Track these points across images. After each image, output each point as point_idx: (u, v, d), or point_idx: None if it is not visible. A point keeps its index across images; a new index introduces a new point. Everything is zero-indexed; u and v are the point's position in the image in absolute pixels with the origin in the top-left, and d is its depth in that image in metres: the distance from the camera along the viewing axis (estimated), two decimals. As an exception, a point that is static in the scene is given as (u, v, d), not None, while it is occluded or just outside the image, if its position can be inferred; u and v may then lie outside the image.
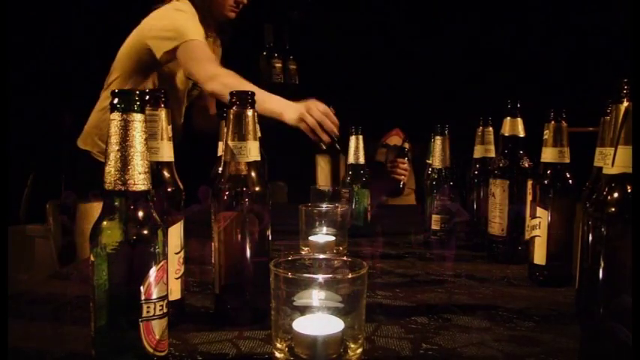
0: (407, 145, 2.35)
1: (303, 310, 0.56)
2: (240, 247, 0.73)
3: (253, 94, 0.74)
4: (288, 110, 1.54)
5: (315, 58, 2.95)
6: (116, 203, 0.53)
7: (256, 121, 0.74)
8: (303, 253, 1.05)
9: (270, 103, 1.55)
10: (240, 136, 0.73)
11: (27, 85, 2.90)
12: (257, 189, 0.74)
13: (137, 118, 0.53)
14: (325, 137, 1.49)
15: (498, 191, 1.13)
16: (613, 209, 0.51)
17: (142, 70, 1.73)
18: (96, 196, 1.52)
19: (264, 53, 1.81)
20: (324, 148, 1.50)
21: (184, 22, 1.66)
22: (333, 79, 3.01)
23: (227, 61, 1.79)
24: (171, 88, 1.76)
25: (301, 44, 2.66)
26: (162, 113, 0.71)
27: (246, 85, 1.57)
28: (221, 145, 1.20)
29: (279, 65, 1.82)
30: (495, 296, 0.89)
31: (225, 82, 1.56)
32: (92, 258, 0.52)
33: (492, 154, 1.28)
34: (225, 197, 0.73)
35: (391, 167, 2.31)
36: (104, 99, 1.79)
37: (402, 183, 2.31)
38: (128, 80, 1.73)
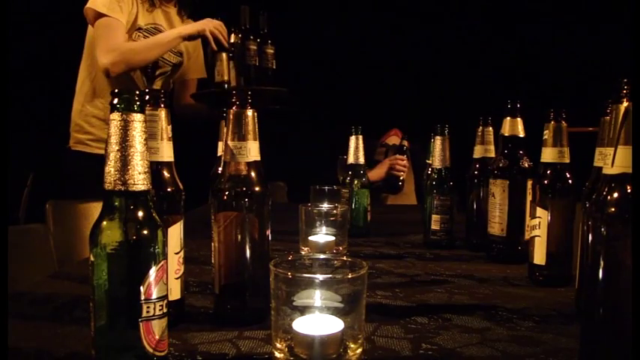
0: (406, 143, 2.36)
1: (303, 310, 0.56)
2: (240, 247, 0.73)
3: (253, 94, 0.74)
4: (191, 27, 1.82)
5: (317, 62, 2.96)
6: (116, 203, 0.53)
7: (256, 121, 0.74)
8: (303, 253, 1.05)
9: (176, 31, 1.81)
10: (240, 136, 0.73)
11: (27, 85, 2.90)
12: (257, 189, 0.74)
13: (137, 118, 0.53)
14: (223, 39, 1.82)
15: (498, 191, 1.13)
16: (613, 209, 0.51)
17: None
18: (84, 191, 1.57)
19: (240, 35, 1.83)
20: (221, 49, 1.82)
21: None
22: (333, 82, 3.02)
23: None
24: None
25: (304, 48, 2.66)
26: (163, 113, 0.71)
27: (151, 39, 1.77)
28: (221, 145, 1.20)
29: (253, 47, 1.84)
30: (495, 296, 0.89)
31: (124, 49, 1.72)
32: (92, 258, 0.52)
33: (492, 154, 1.28)
34: (225, 197, 0.73)
35: (390, 164, 2.32)
36: (81, 89, 1.88)
37: (400, 179, 2.32)
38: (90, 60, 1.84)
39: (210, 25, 1.80)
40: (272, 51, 1.91)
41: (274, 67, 1.92)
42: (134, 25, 1.81)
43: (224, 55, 1.85)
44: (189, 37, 1.81)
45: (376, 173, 2.29)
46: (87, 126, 1.86)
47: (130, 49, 1.73)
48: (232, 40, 1.87)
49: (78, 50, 1.86)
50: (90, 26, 1.81)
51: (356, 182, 1.47)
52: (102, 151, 1.80)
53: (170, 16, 1.94)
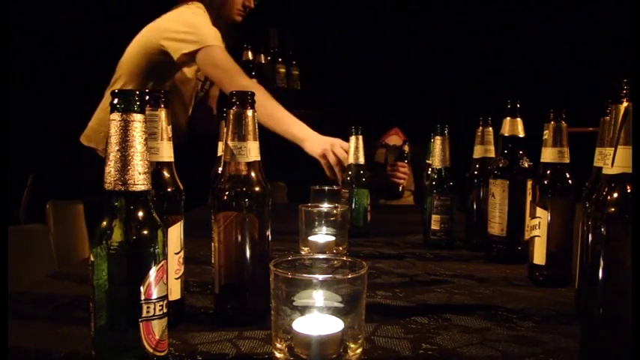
0: (406, 148, 2.34)
1: (303, 310, 0.56)
2: (240, 247, 0.73)
3: (253, 94, 0.74)
4: (311, 140, 1.56)
5: (316, 62, 2.95)
6: (116, 203, 0.53)
7: (256, 121, 0.74)
8: (303, 253, 1.05)
9: (295, 127, 1.56)
10: (240, 136, 0.73)
11: (27, 85, 2.90)
12: (257, 189, 0.74)
13: (137, 118, 0.53)
14: (340, 176, 1.51)
15: (498, 191, 1.13)
16: (613, 209, 0.51)
17: (150, 71, 1.70)
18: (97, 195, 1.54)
19: (269, 58, 1.82)
20: (336, 182, 1.54)
21: (203, 25, 1.66)
22: (333, 81, 3.01)
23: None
24: (179, 92, 1.76)
25: (303, 48, 2.66)
26: (163, 113, 0.71)
27: (274, 103, 1.58)
28: (221, 145, 1.20)
29: (282, 70, 1.82)
30: (495, 296, 0.89)
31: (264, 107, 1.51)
32: (92, 258, 0.52)
33: (492, 154, 1.28)
34: (225, 197, 0.73)
35: (391, 170, 2.30)
36: (107, 98, 1.80)
37: (401, 187, 2.31)
38: (133, 82, 1.71)
39: (329, 150, 1.53)
40: (297, 72, 1.88)
41: (299, 87, 1.89)
42: None
43: (254, 80, 1.79)
44: (295, 141, 1.56)
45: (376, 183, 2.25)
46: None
47: (269, 113, 1.53)
48: (262, 62, 1.85)
49: (78, 50, 1.86)
50: (137, 42, 1.72)
51: (356, 182, 1.47)
52: None
53: None
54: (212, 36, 1.62)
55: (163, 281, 0.54)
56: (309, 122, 1.59)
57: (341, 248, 1.07)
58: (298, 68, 1.88)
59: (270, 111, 1.56)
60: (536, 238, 0.95)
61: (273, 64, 1.82)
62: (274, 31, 1.86)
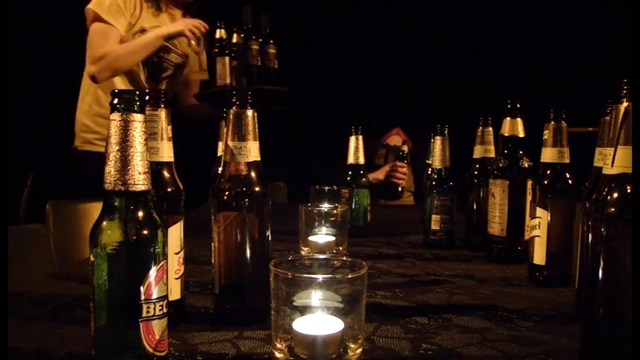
0: (405, 148, 2.34)
1: (303, 310, 0.56)
2: (240, 247, 0.73)
3: (256, 94, 0.74)
4: (170, 27, 1.83)
5: (307, 51, 2.95)
6: (116, 203, 0.53)
7: (256, 121, 0.74)
8: (303, 253, 1.05)
9: (162, 29, 1.81)
10: (240, 136, 0.73)
11: (27, 85, 2.90)
12: (257, 189, 0.74)
13: (137, 118, 0.53)
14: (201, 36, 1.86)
15: (498, 191, 1.13)
16: (613, 209, 0.51)
17: None
18: (89, 192, 1.58)
19: (242, 35, 1.84)
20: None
21: None
22: (318, 67, 3.01)
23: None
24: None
25: (294, 36, 2.66)
26: (163, 113, 0.71)
27: (129, 44, 1.76)
28: (221, 145, 1.20)
29: (255, 47, 1.84)
30: (495, 296, 0.89)
31: (110, 57, 1.73)
32: (92, 258, 0.52)
33: (492, 154, 1.28)
34: (225, 197, 0.73)
35: (390, 171, 2.29)
36: (87, 86, 1.90)
37: (400, 187, 2.30)
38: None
39: (189, 24, 1.82)
40: (274, 51, 1.91)
41: (277, 66, 1.92)
42: (137, 26, 1.82)
43: (226, 58, 1.86)
44: (169, 37, 1.82)
45: (375, 177, 2.26)
46: (94, 125, 1.88)
47: (115, 57, 1.76)
48: (235, 41, 1.88)
49: (78, 50, 1.86)
50: None
51: (356, 182, 1.47)
52: None
53: (176, 18, 1.96)
54: (102, 8, 1.75)
55: (163, 281, 0.54)
56: (309, 122, 1.60)
57: (341, 248, 1.07)
58: (275, 47, 1.89)
59: (134, 46, 1.78)
60: (536, 238, 0.95)
61: (245, 41, 1.84)
62: (247, 8, 1.88)
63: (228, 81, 1.87)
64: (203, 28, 1.84)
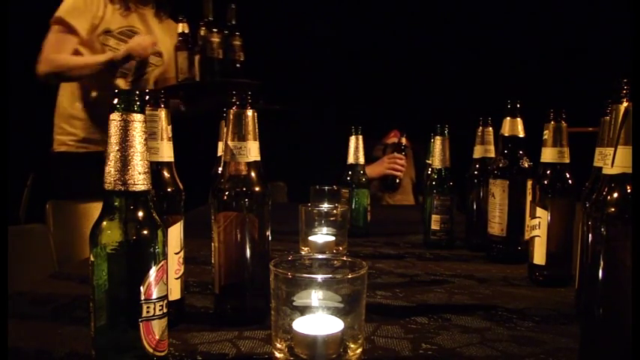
0: (403, 140, 2.34)
1: (303, 310, 0.56)
2: (240, 247, 0.73)
3: (253, 94, 0.74)
4: (120, 52, 1.80)
5: (307, 52, 2.94)
6: (116, 203, 0.53)
7: (256, 121, 0.74)
8: (303, 253, 1.05)
9: (112, 55, 1.79)
10: (240, 136, 0.73)
11: (27, 85, 2.89)
12: (257, 189, 0.74)
13: (137, 118, 0.53)
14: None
15: (498, 191, 1.13)
16: (613, 209, 0.51)
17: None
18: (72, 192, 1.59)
19: (203, 27, 1.83)
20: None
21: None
22: (316, 67, 3.00)
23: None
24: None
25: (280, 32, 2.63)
26: (163, 113, 0.72)
27: (84, 60, 1.78)
28: (221, 145, 1.20)
29: (216, 40, 1.83)
30: (495, 296, 0.89)
31: (59, 63, 1.76)
32: (92, 258, 0.52)
33: (492, 154, 1.28)
34: (225, 197, 0.73)
35: (388, 162, 2.30)
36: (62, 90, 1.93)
37: (397, 179, 2.31)
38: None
39: (137, 47, 1.80)
40: (239, 43, 1.89)
41: (242, 59, 1.90)
42: (101, 28, 1.83)
43: (186, 52, 1.86)
44: (120, 62, 1.81)
45: (373, 170, 2.26)
46: (68, 127, 1.91)
47: (63, 65, 1.78)
48: (202, 34, 1.87)
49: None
50: None
51: (356, 182, 1.47)
52: (85, 150, 1.83)
53: (146, 18, 1.96)
54: (64, 10, 1.77)
55: (163, 281, 0.54)
56: (309, 122, 1.60)
57: (341, 248, 1.07)
58: (240, 39, 1.87)
59: (84, 62, 1.79)
60: (536, 238, 0.95)
61: (207, 35, 1.83)
62: (208, 0, 1.87)
63: (188, 75, 1.86)
64: (150, 48, 1.84)
